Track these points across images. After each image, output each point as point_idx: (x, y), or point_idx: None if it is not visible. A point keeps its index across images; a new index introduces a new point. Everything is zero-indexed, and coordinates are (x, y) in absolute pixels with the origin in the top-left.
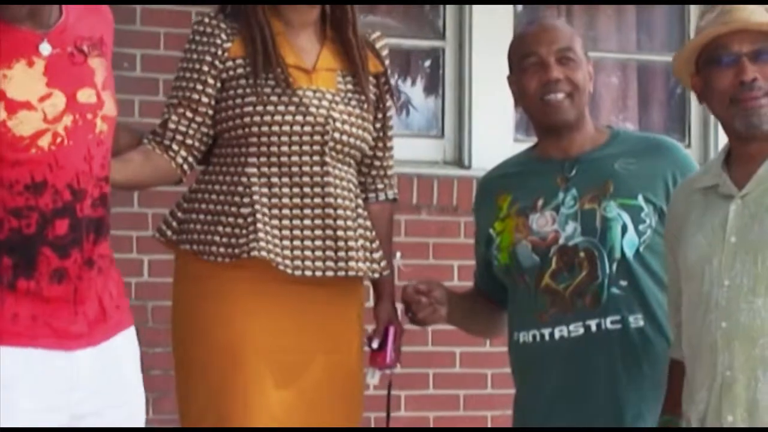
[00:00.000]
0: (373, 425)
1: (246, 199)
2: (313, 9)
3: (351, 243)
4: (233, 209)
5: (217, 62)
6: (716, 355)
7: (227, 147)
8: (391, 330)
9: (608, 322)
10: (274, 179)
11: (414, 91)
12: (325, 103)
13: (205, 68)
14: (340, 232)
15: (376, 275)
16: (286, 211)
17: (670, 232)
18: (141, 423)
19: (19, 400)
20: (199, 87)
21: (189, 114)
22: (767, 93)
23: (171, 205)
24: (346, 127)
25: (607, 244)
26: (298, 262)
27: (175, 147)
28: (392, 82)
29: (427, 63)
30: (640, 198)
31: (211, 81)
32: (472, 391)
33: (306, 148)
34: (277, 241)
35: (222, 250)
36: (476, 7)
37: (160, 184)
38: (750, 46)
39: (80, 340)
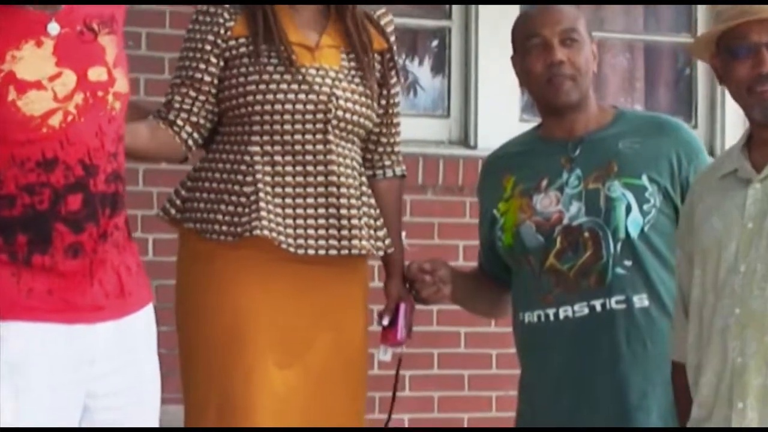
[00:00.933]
0: (377, 405)
1: (249, 178)
2: None
3: (354, 221)
4: (236, 188)
5: (219, 41)
6: (727, 341)
7: (230, 125)
8: (402, 307)
9: (613, 302)
10: (277, 158)
11: (420, 71)
12: (328, 80)
13: (208, 47)
14: (343, 210)
15: (381, 253)
16: (289, 190)
17: (682, 225)
18: (155, 407)
19: (34, 377)
20: (202, 66)
21: (192, 93)
22: None
23: (176, 184)
24: (350, 105)
25: (612, 224)
26: (301, 241)
27: (180, 123)
28: (399, 61)
29: (434, 43)
30: (645, 178)
31: (214, 60)
32: (476, 372)
33: (309, 126)
34: (280, 219)
35: (224, 228)
36: None
37: (166, 158)
38: None
39: (99, 313)
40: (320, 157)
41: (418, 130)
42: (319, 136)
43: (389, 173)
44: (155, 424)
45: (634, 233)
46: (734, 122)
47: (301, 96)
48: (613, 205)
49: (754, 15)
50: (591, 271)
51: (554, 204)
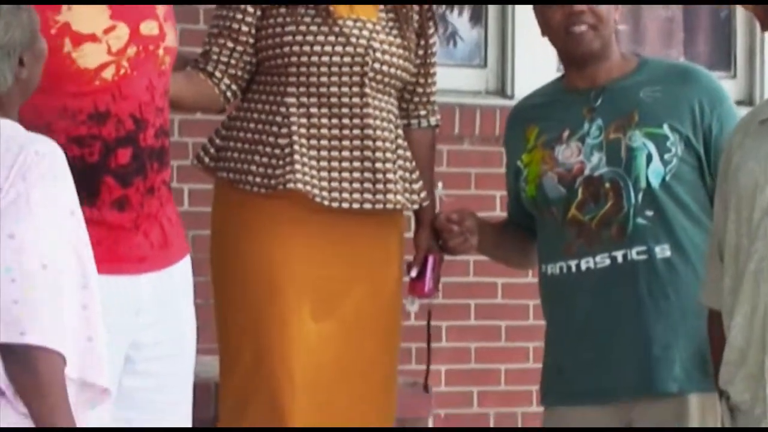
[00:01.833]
0: (414, 356)
1: (284, 129)
2: None
3: (389, 175)
4: (270, 139)
5: None
6: (759, 284)
7: (266, 75)
8: (431, 258)
9: (634, 253)
10: (313, 109)
11: (459, 21)
12: (365, 32)
13: None
14: (378, 164)
15: (416, 206)
16: (324, 142)
17: (720, 171)
18: (192, 358)
19: None
20: (239, 16)
21: (230, 44)
22: None
23: (211, 134)
24: (387, 57)
25: (632, 173)
26: (335, 194)
27: (218, 75)
28: (439, 12)
29: None
30: (666, 127)
31: (250, 9)
32: (513, 322)
33: (345, 78)
34: (314, 172)
35: (258, 180)
36: None
37: (204, 108)
38: None
39: (143, 264)
40: (356, 110)
41: (455, 80)
42: (355, 89)
43: (424, 123)
44: (191, 376)
45: (655, 183)
46: None
47: (338, 48)
48: (633, 155)
49: None
50: (612, 222)
51: (576, 155)
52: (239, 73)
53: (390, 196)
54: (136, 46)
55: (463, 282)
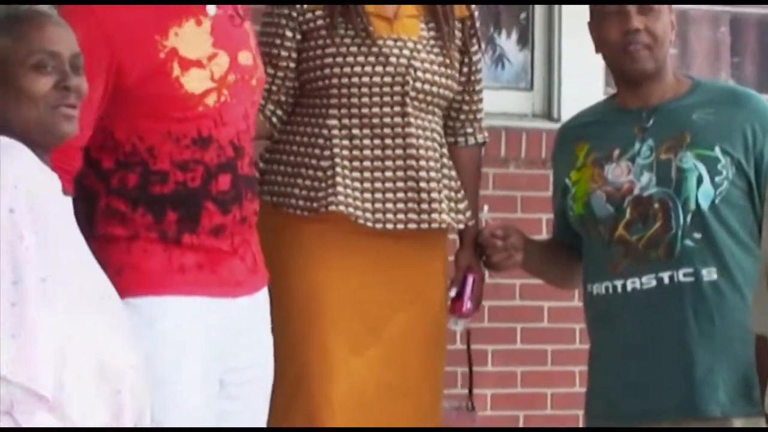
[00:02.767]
0: (459, 379)
1: (326, 152)
2: None
3: (434, 195)
4: (313, 161)
5: (295, 14)
6: None
7: (308, 98)
8: (470, 278)
9: (681, 275)
10: (355, 131)
11: (507, 44)
12: (406, 52)
13: (284, 22)
14: (423, 184)
15: (461, 226)
16: (367, 164)
17: None
18: (270, 383)
19: (189, 350)
20: (278, 41)
21: (270, 70)
22: None
23: (255, 157)
24: (428, 76)
25: (682, 195)
26: (379, 215)
27: (262, 102)
28: (488, 34)
29: (517, 15)
30: (717, 149)
31: (289, 34)
32: (560, 346)
33: (387, 99)
34: (357, 194)
35: (301, 203)
36: None
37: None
38: None
39: (240, 288)
40: (398, 130)
41: (501, 102)
42: (397, 109)
43: (471, 141)
44: (268, 401)
45: (704, 205)
46: None
47: (378, 69)
48: (684, 176)
49: None
50: (660, 243)
51: (625, 174)
52: (282, 98)
53: (435, 215)
54: (234, 74)
55: (509, 305)
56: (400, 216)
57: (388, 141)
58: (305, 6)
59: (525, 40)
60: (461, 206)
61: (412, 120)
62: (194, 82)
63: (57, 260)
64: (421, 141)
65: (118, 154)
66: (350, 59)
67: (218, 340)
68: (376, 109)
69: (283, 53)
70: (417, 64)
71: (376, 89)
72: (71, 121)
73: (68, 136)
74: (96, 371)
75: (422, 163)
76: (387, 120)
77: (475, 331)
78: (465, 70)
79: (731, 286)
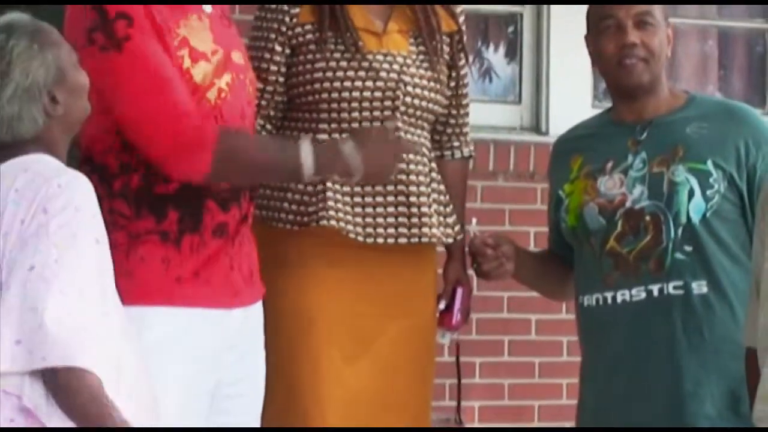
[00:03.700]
0: (447, 392)
1: None
2: None
3: (424, 209)
4: None
5: (284, 28)
6: None
7: (298, 112)
8: (459, 291)
9: (671, 287)
10: None
11: (494, 57)
12: (396, 66)
13: (272, 36)
14: (413, 198)
15: (450, 240)
16: None
17: (758, 211)
18: (261, 400)
19: (180, 361)
20: (267, 56)
21: (259, 84)
22: None
23: None
24: (418, 91)
25: (674, 208)
26: (370, 230)
27: None
28: (475, 47)
29: (505, 29)
30: (710, 163)
31: (278, 48)
32: (547, 359)
33: (377, 113)
34: (348, 208)
35: (291, 217)
36: None
37: None
38: None
39: (236, 298)
40: None
41: (489, 116)
42: None
43: (458, 154)
44: (259, 416)
45: (695, 218)
46: None
47: (368, 83)
48: (675, 189)
49: None
50: (651, 255)
51: (618, 186)
52: (271, 112)
53: (426, 229)
54: (230, 72)
55: (497, 318)
56: (390, 230)
57: None
58: (294, 20)
59: (513, 53)
60: (450, 220)
61: (401, 134)
62: (201, 74)
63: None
64: (411, 156)
65: (123, 157)
66: (340, 73)
67: (211, 352)
68: (366, 124)
69: (272, 67)
70: (407, 78)
71: (366, 104)
72: None
73: None
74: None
75: (412, 177)
76: None
77: (463, 344)
78: (452, 84)
79: (721, 299)
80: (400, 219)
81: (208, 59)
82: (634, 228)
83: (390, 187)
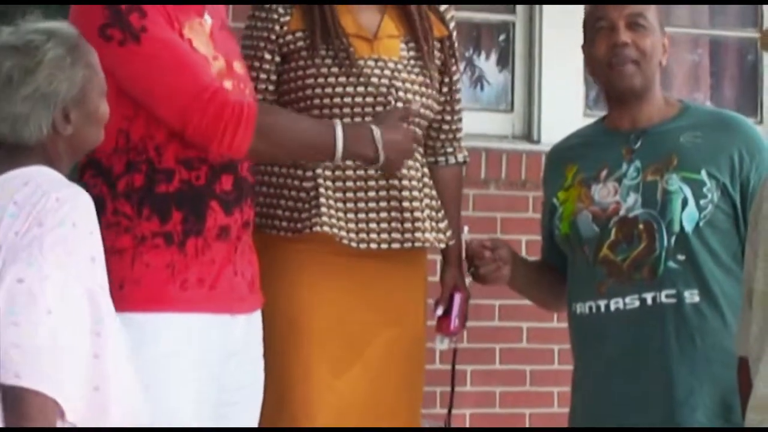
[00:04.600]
0: (438, 400)
1: (308, 173)
2: None
3: (417, 213)
4: (295, 182)
5: (274, 36)
6: None
7: None
8: (457, 296)
9: (663, 296)
10: None
11: (486, 65)
12: (387, 72)
13: (262, 44)
14: (405, 203)
15: (443, 245)
16: (349, 184)
17: (751, 220)
18: (258, 407)
19: (185, 368)
20: (257, 64)
21: None
22: None
23: None
24: (410, 96)
25: (667, 217)
26: (363, 235)
27: None
28: (467, 55)
29: (497, 37)
30: (704, 172)
31: (268, 57)
32: (538, 367)
33: (368, 119)
34: (341, 214)
35: (284, 224)
36: None
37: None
38: None
39: (242, 305)
40: None
41: (481, 124)
42: None
43: (451, 160)
44: (256, 423)
45: (688, 227)
46: None
47: (360, 89)
48: (669, 198)
49: None
50: (644, 264)
51: (612, 194)
52: None
53: (418, 234)
54: (231, 80)
55: (489, 326)
56: (384, 235)
57: None
58: (284, 28)
59: (505, 61)
60: (442, 225)
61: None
62: None
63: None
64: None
65: (129, 155)
66: (331, 80)
67: (215, 358)
68: None
69: (262, 75)
70: (398, 84)
71: (357, 109)
72: None
73: None
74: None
75: (404, 182)
76: None
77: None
78: (445, 89)
79: (713, 308)
80: (393, 224)
81: (209, 63)
82: (627, 236)
83: (383, 192)
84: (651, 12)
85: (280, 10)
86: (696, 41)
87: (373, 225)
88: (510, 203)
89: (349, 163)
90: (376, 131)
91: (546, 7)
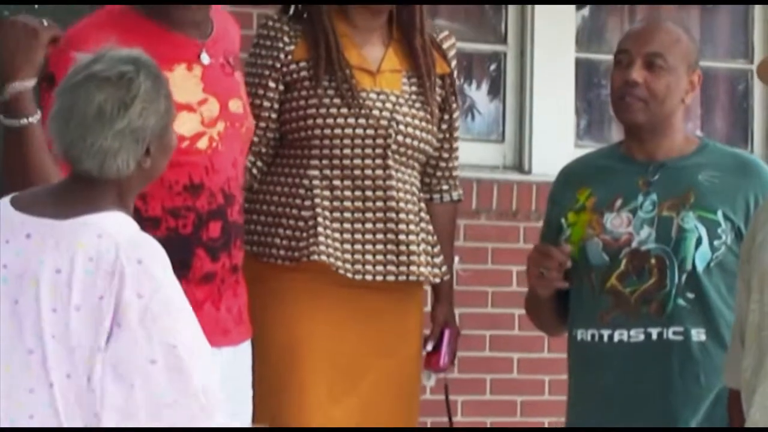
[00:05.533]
0: None
1: (307, 202)
2: (379, 15)
3: (413, 247)
4: (294, 211)
5: (278, 65)
6: None
7: (289, 148)
8: (447, 333)
9: (670, 333)
10: (336, 182)
11: (477, 95)
12: (388, 105)
13: (267, 72)
14: (402, 236)
15: (437, 280)
16: (347, 215)
17: (743, 253)
18: None
19: None
20: (261, 92)
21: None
22: None
23: None
24: (410, 130)
25: (680, 254)
26: (358, 266)
27: None
28: (456, 84)
29: (489, 67)
30: (720, 213)
31: (272, 85)
32: (529, 397)
33: (368, 151)
34: (338, 244)
35: (282, 252)
36: (538, 12)
37: None
38: None
39: (225, 337)
40: (379, 182)
41: (472, 154)
42: (378, 161)
43: (446, 198)
44: None
45: (700, 267)
46: None
47: (361, 121)
48: (684, 236)
49: None
50: (653, 299)
51: (625, 225)
52: (263, 149)
53: (414, 268)
54: (224, 121)
55: (480, 356)
56: (379, 268)
57: (368, 193)
58: (289, 57)
59: (496, 91)
60: (437, 260)
61: (393, 173)
62: (185, 124)
63: None
64: (401, 194)
65: None
66: (333, 111)
67: None
68: (357, 161)
69: (266, 104)
70: (399, 117)
71: (358, 141)
72: None
73: None
74: None
75: (402, 216)
76: (368, 172)
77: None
78: (444, 126)
79: (719, 348)
80: (389, 257)
81: (192, 109)
82: (638, 269)
83: (379, 225)
84: (673, 52)
85: (285, 39)
86: None
87: (369, 257)
88: (501, 234)
89: (347, 193)
90: None
91: (537, 38)
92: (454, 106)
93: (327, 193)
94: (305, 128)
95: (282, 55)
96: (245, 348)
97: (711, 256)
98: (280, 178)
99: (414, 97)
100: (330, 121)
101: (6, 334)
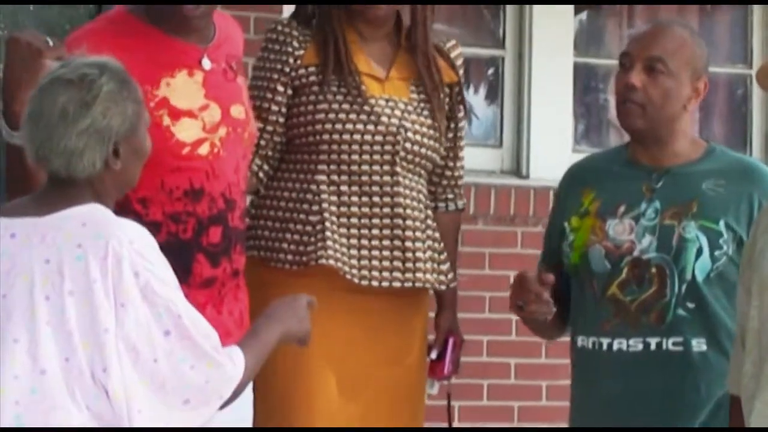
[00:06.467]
0: None
1: (315, 207)
2: (387, 23)
3: (419, 254)
4: (302, 216)
5: (287, 69)
6: None
7: (297, 153)
8: (451, 341)
9: (670, 343)
10: (344, 187)
11: (475, 99)
12: (397, 112)
13: (275, 76)
14: (408, 243)
15: (443, 287)
16: (354, 220)
17: (744, 260)
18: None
19: None
20: (269, 95)
21: (259, 124)
22: None
23: None
24: (418, 138)
25: (680, 264)
26: (365, 272)
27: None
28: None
29: (487, 72)
30: (722, 223)
31: (281, 89)
32: (526, 403)
33: (377, 157)
34: (345, 249)
35: (290, 257)
36: (536, 16)
37: None
38: None
39: (228, 338)
40: (387, 189)
41: (470, 159)
42: (386, 168)
43: (451, 206)
44: None
45: (700, 277)
46: None
47: (370, 127)
48: (684, 246)
49: None
50: (652, 308)
51: (627, 232)
52: (270, 153)
53: (419, 274)
54: (226, 126)
55: (477, 362)
56: (385, 273)
57: (376, 199)
58: (298, 61)
59: (494, 95)
60: (443, 267)
61: (400, 179)
62: (185, 131)
63: None
64: (408, 201)
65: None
66: (342, 116)
67: None
68: (365, 167)
69: (274, 107)
70: (408, 125)
71: (366, 147)
72: None
73: None
74: None
75: (408, 222)
76: (376, 178)
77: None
78: (450, 135)
79: (720, 356)
80: (395, 263)
81: (193, 115)
82: (638, 278)
83: (387, 231)
84: (675, 57)
85: (295, 43)
86: None
87: (375, 262)
88: (498, 238)
89: (354, 199)
90: None
91: (535, 43)
92: (461, 114)
93: (334, 198)
94: (313, 133)
95: (291, 60)
96: None
97: (711, 267)
98: (287, 183)
99: (422, 105)
100: (339, 126)
101: None
